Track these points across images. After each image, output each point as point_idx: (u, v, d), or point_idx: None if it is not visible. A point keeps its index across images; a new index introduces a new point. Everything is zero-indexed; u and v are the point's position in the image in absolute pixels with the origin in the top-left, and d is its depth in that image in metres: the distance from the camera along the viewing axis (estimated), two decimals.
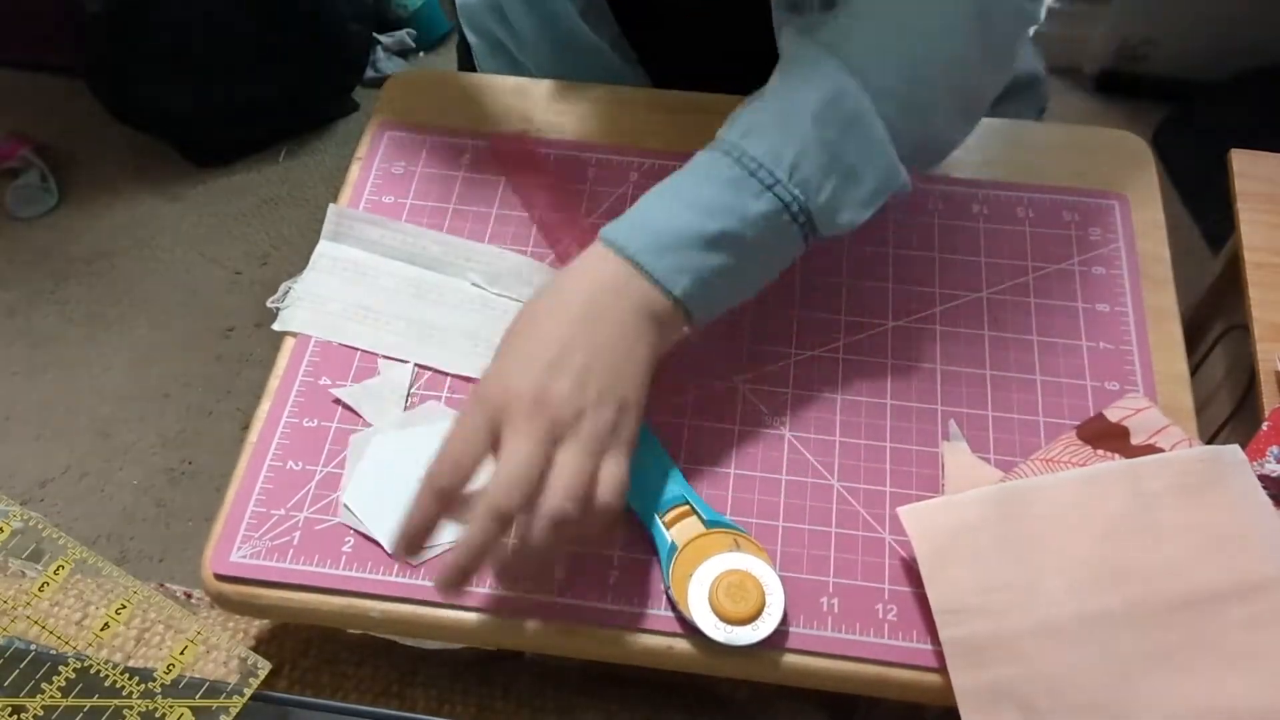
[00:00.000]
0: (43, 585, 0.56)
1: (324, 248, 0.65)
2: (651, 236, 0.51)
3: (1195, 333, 1.10)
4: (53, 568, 0.56)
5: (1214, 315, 1.10)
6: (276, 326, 0.62)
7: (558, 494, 0.46)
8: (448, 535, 0.54)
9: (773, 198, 0.51)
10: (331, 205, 0.66)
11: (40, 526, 0.57)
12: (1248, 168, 0.94)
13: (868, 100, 0.52)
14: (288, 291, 0.63)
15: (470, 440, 0.48)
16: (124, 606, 0.57)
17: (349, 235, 0.65)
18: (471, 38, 0.85)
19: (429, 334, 0.61)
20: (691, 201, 0.52)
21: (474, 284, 0.63)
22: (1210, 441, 0.55)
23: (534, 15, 0.75)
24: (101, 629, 0.57)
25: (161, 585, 0.70)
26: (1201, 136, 1.54)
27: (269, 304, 0.63)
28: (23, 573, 0.58)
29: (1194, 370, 1.07)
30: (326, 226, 0.66)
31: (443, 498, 0.48)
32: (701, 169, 0.53)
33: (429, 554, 0.54)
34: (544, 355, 0.49)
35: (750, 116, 0.54)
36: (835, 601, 0.52)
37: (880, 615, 0.52)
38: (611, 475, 0.48)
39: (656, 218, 0.52)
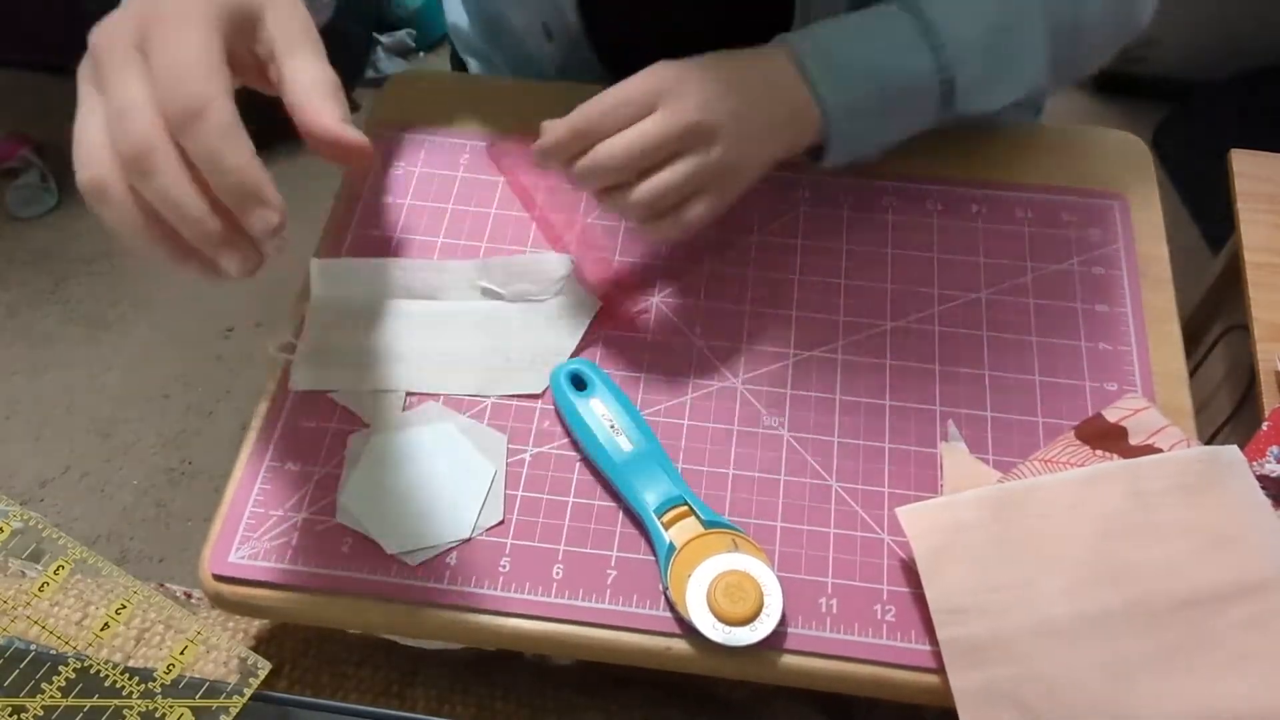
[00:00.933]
0: (43, 585, 0.56)
1: (316, 302, 0.62)
2: (827, 58, 0.56)
3: (1195, 333, 1.10)
4: (53, 568, 0.56)
5: (1214, 315, 1.10)
6: (293, 386, 0.59)
7: (642, 194, 0.52)
8: (446, 536, 0.54)
9: (933, 60, 0.57)
10: (313, 260, 0.63)
11: (40, 526, 0.57)
12: (1248, 168, 0.95)
13: (1040, 8, 0.58)
14: (291, 345, 0.61)
15: (628, 100, 0.52)
16: (124, 606, 0.57)
17: (338, 283, 0.63)
18: (470, 61, 0.85)
19: (453, 362, 0.60)
20: (870, 37, 0.57)
21: (485, 289, 0.63)
22: (1210, 441, 0.55)
23: (511, 67, 0.78)
24: (101, 629, 0.57)
25: (161, 585, 0.71)
26: (1201, 136, 1.54)
27: (270, 351, 0.60)
28: (23, 573, 0.59)
29: (1194, 370, 1.07)
30: (314, 280, 0.63)
31: (583, 129, 0.52)
32: (883, 16, 0.58)
33: (428, 554, 0.54)
34: (727, 90, 0.53)
35: None
36: (833, 602, 0.52)
37: (878, 616, 0.52)
38: (696, 214, 0.54)
39: (838, 44, 0.57)
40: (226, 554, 0.54)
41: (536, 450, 0.57)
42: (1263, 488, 0.52)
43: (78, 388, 1.54)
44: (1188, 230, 1.50)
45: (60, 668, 0.53)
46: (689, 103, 0.52)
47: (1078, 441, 0.56)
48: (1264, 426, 0.78)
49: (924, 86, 0.58)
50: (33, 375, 1.55)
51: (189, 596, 0.77)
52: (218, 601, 0.54)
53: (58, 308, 1.62)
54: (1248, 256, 0.90)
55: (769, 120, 0.56)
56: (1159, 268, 0.64)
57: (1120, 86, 1.73)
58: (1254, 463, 0.74)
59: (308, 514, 0.55)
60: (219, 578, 0.54)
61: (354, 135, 0.44)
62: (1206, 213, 1.49)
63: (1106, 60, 0.67)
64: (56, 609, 0.60)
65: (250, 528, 0.55)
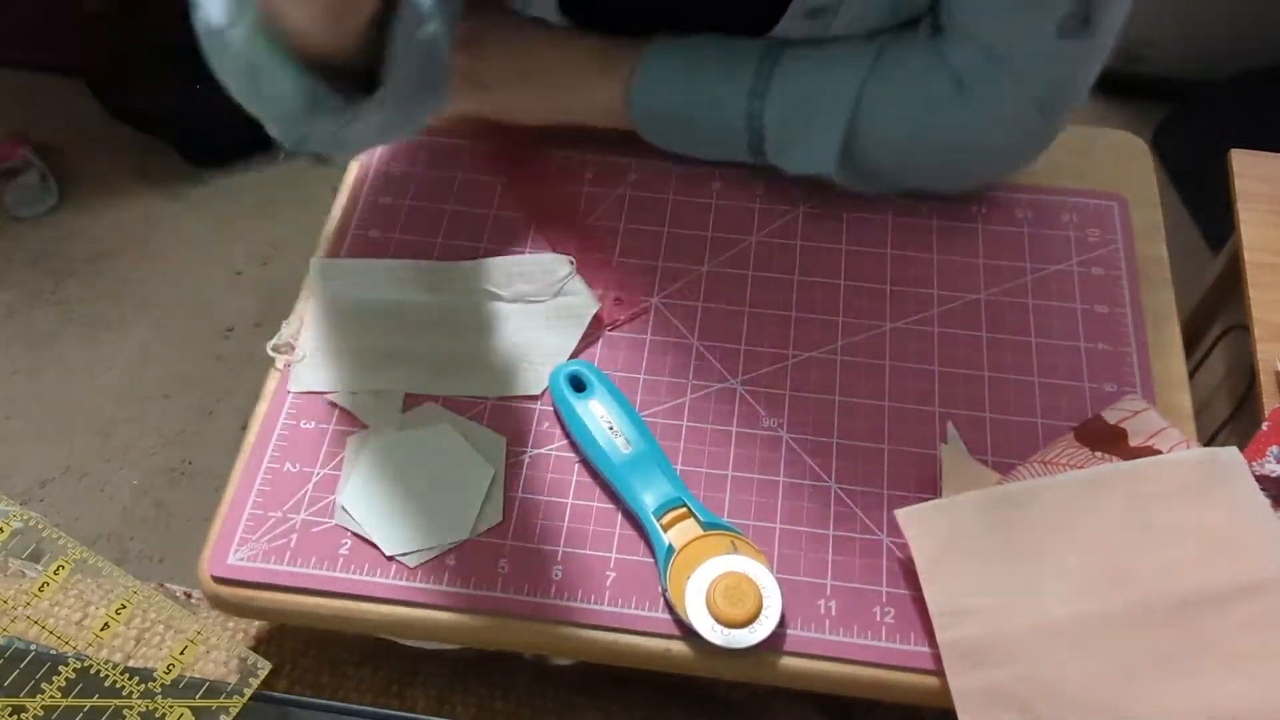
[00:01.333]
0: (43, 585, 0.56)
1: (316, 302, 0.62)
2: (657, 68, 0.62)
3: (1195, 333, 1.10)
4: (52, 568, 0.56)
5: (1214, 315, 1.10)
6: (292, 388, 0.59)
7: None
8: (445, 538, 0.54)
9: (746, 104, 0.60)
10: (313, 259, 0.64)
11: (40, 527, 0.57)
12: (1248, 167, 0.94)
13: (860, 109, 0.59)
14: (289, 345, 0.61)
15: None
16: (124, 606, 0.57)
17: (337, 285, 0.63)
18: None
19: (452, 364, 0.60)
20: (706, 67, 0.61)
21: (484, 290, 0.63)
22: (1210, 441, 0.55)
23: None
24: (101, 629, 0.57)
25: (161, 585, 0.71)
26: (1201, 136, 1.54)
27: (269, 349, 0.61)
28: (23, 573, 0.59)
29: (1194, 370, 1.07)
30: (313, 281, 0.63)
31: None
32: (736, 50, 0.61)
33: (426, 556, 0.54)
34: (531, 37, 0.63)
35: (800, 58, 0.60)
36: (833, 604, 0.52)
37: (878, 618, 0.52)
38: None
39: (676, 58, 0.62)
40: (225, 555, 0.54)
41: (535, 452, 0.57)
42: (1263, 488, 0.52)
43: (78, 388, 1.54)
44: (1188, 230, 1.50)
45: (60, 668, 0.53)
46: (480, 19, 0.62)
47: (1077, 443, 0.56)
48: (1264, 426, 0.78)
49: (733, 127, 0.62)
50: (33, 375, 1.55)
51: (189, 596, 0.77)
52: (217, 603, 0.55)
53: (58, 308, 1.62)
54: (1248, 256, 0.90)
55: (567, 80, 0.64)
56: (1159, 269, 0.64)
57: (1120, 86, 1.72)
58: (1254, 463, 0.74)
59: (306, 515, 0.55)
60: (218, 579, 0.54)
61: None
62: (1206, 212, 1.49)
63: (949, 185, 0.65)
64: (56, 609, 0.60)
65: (249, 529, 0.55)
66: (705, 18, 0.62)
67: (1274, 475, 0.72)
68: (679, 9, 0.62)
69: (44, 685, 0.52)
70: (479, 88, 0.65)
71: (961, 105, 0.58)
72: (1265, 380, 0.83)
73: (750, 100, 0.60)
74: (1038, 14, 0.54)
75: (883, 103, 0.59)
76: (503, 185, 0.68)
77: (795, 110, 0.60)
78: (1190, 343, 1.08)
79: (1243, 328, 0.90)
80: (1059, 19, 0.54)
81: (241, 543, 0.55)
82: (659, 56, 0.62)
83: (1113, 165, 0.69)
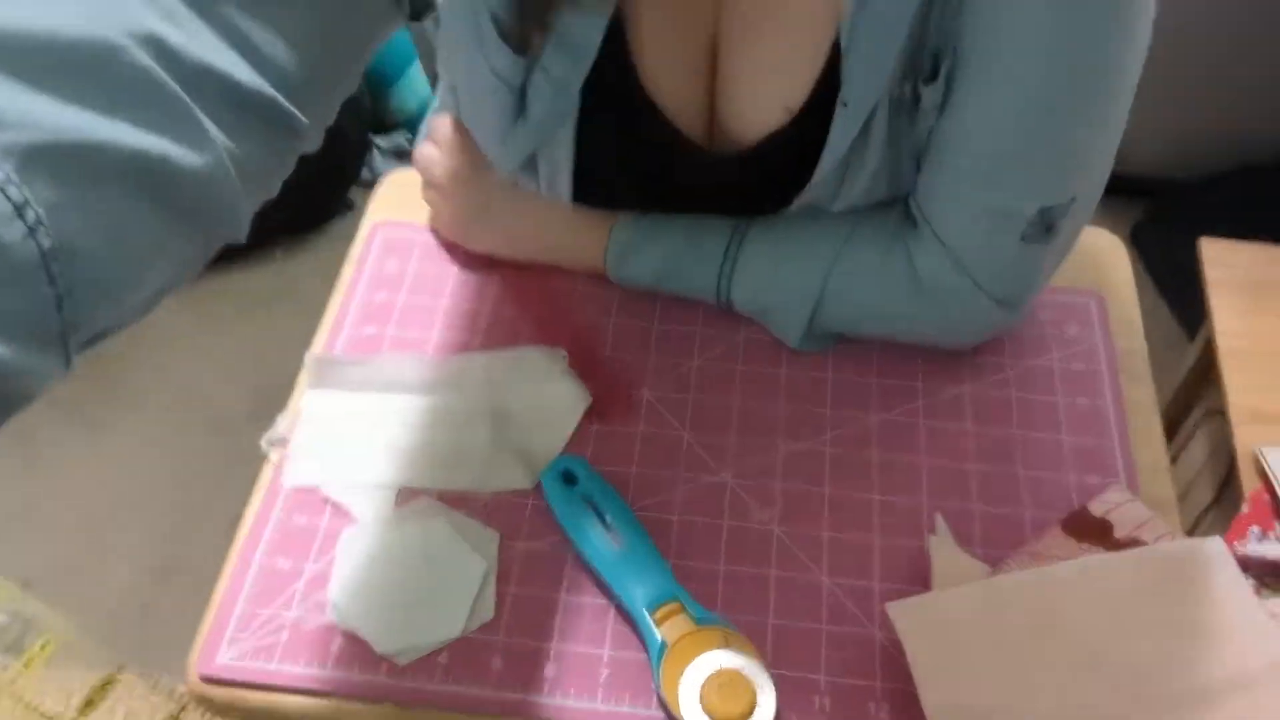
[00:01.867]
0: (27, 662, 0.55)
1: (311, 397, 0.63)
2: (631, 239, 0.65)
3: (1175, 419, 1.11)
4: (39, 645, 0.56)
5: (1193, 401, 1.11)
6: (286, 482, 0.60)
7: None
8: (437, 635, 0.54)
9: (715, 280, 0.64)
10: (309, 354, 0.65)
11: (29, 612, 0.57)
12: (1218, 256, 0.97)
13: (823, 299, 0.62)
14: (283, 440, 0.62)
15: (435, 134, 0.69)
16: (108, 684, 0.56)
17: (333, 380, 0.64)
18: None
19: (445, 458, 0.61)
20: (680, 244, 0.65)
21: (477, 384, 0.63)
22: (1195, 526, 0.56)
23: None
24: (85, 706, 0.56)
25: (144, 674, 0.70)
26: (1178, 232, 1.57)
27: (262, 444, 0.62)
28: (8, 655, 0.58)
29: (1176, 456, 1.08)
30: (309, 376, 0.64)
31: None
32: (706, 228, 0.64)
33: (418, 654, 0.53)
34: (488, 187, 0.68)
35: (766, 242, 0.63)
36: (826, 700, 0.52)
37: (872, 713, 0.51)
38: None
39: (649, 234, 0.65)
40: (214, 654, 0.54)
41: (528, 546, 0.58)
42: (1244, 568, 0.53)
43: (67, 484, 1.53)
44: (1166, 322, 1.53)
45: None
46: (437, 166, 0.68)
47: (1064, 535, 0.56)
48: (1244, 509, 0.78)
49: (706, 298, 0.66)
50: (21, 472, 1.54)
51: (172, 694, 0.76)
52: (205, 703, 0.54)
53: (48, 405, 1.62)
54: (1220, 342, 0.91)
55: (547, 244, 0.68)
56: (1136, 362, 0.65)
57: None
58: (1235, 543, 0.74)
59: (298, 612, 0.55)
60: (206, 679, 0.53)
61: None
62: (1183, 304, 1.52)
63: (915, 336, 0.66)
64: (42, 696, 0.59)
65: (240, 626, 0.55)
66: (714, 213, 0.65)
67: (1255, 555, 0.72)
68: (687, 207, 0.65)
69: None
70: (460, 237, 0.71)
71: (924, 307, 0.61)
72: (1244, 463, 0.84)
73: (719, 280, 0.64)
74: (1003, 225, 0.56)
75: (845, 295, 0.62)
76: (495, 282, 0.70)
77: (760, 297, 0.64)
78: (1171, 429, 1.09)
79: (1221, 412, 0.92)
80: (1023, 229, 0.56)
81: (231, 641, 0.54)
82: (630, 230, 0.65)
83: (1091, 262, 0.71)
